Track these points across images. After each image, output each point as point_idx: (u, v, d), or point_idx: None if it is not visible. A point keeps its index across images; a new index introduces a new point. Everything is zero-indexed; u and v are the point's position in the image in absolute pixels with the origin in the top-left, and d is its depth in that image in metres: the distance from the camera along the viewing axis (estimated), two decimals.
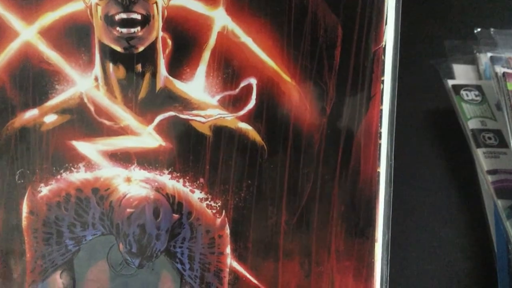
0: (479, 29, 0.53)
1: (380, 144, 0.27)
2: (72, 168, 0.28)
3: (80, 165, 0.28)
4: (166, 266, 0.29)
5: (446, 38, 0.54)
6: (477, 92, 0.48)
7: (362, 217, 0.28)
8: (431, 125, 0.47)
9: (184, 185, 0.28)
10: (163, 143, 0.28)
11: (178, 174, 0.28)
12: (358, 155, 0.27)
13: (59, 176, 0.28)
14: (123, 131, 0.28)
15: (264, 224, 0.28)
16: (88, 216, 0.29)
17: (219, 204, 0.28)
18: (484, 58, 0.51)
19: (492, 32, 0.52)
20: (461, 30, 0.56)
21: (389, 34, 0.27)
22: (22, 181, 0.28)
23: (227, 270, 0.29)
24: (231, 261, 0.29)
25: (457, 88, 0.48)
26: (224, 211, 0.28)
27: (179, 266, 0.29)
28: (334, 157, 0.27)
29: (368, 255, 0.28)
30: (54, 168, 0.28)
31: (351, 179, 0.28)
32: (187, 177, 0.28)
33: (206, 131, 0.28)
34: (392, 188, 0.28)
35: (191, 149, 0.28)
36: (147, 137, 0.28)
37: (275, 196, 0.28)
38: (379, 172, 0.27)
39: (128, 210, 0.28)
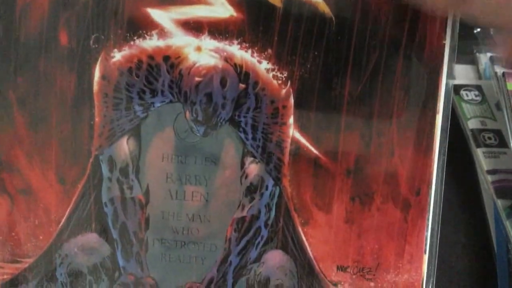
0: (478, 29, 0.52)
1: (446, 19, 0.28)
2: (145, 35, 0.29)
3: (153, 32, 0.29)
4: (230, 135, 0.30)
5: None
6: (477, 92, 0.47)
7: (425, 88, 0.29)
8: None
9: (252, 56, 0.29)
10: (235, 14, 0.29)
11: (247, 45, 0.29)
12: (424, 28, 0.28)
13: (132, 43, 0.29)
14: (197, 0, 0.29)
15: (328, 95, 0.29)
16: (157, 83, 0.30)
17: (285, 75, 0.29)
18: (484, 58, 0.50)
19: (492, 32, 0.50)
20: (461, 30, 0.54)
21: None
22: (96, 45, 0.30)
23: (289, 140, 0.30)
24: (293, 132, 0.29)
25: (457, 88, 0.47)
26: (289, 82, 0.29)
27: (242, 135, 0.30)
28: (400, 29, 0.28)
29: (430, 126, 0.29)
30: (128, 34, 0.29)
31: (417, 50, 0.29)
32: (256, 48, 0.29)
33: (277, 2, 0.29)
34: (455, 61, 0.29)
35: (261, 20, 0.29)
36: (220, 7, 0.29)
37: (341, 67, 0.29)
38: (444, 44, 0.28)
39: (197, 78, 0.29)
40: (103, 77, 0.30)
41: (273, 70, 0.29)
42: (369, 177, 0.29)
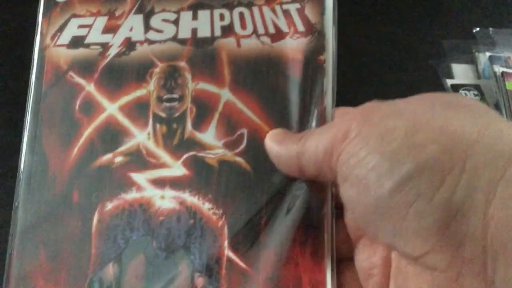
0: (477, 29, 0.53)
1: None
2: (128, 191, 0.43)
3: (133, 188, 0.43)
4: (184, 257, 0.41)
5: (445, 38, 0.54)
6: (476, 92, 0.48)
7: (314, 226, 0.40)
8: None
9: (198, 199, 0.42)
10: (187, 172, 0.43)
11: (195, 192, 0.42)
12: None
13: (119, 196, 0.43)
14: (162, 165, 0.43)
15: (251, 224, 0.41)
16: (134, 223, 0.43)
17: (221, 211, 0.41)
18: (483, 57, 0.51)
19: (490, 32, 0.53)
20: (460, 30, 0.55)
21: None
22: (97, 200, 0.44)
23: (225, 258, 0.40)
24: (227, 251, 0.41)
25: (456, 87, 0.48)
26: (224, 216, 0.41)
27: (192, 257, 0.41)
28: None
29: (319, 243, 0.39)
30: (117, 191, 0.43)
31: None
32: (201, 194, 0.42)
33: (214, 163, 0.42)
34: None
35: (204, 176, 0.42)
36: (177, 168, 0.43)
37: (258, 203, 0.41)
38: None
39: (161, 217, 0.42)
40: (99, 221, 0.43)
41: (212, 208, 0.42)
42: (283, 282, 0.39)
